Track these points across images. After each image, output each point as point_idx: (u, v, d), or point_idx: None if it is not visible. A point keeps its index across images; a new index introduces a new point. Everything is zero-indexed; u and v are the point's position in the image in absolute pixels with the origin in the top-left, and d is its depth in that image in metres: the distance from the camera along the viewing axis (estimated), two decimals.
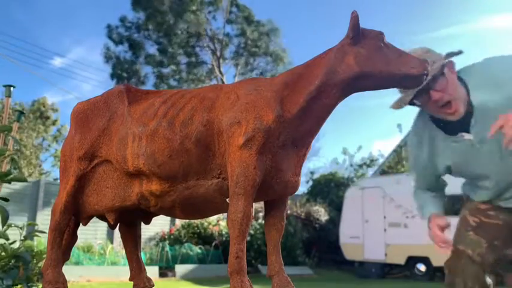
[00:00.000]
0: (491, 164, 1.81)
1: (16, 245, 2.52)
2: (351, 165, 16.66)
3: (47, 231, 1.77)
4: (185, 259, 9.68)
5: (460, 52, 1.77)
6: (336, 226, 12.32)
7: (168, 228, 11.35)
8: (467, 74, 1.80)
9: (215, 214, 1.69)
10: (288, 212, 12.40)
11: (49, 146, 21.57)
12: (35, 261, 2.92)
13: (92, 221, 1.79)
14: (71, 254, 1.91)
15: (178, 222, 11.27)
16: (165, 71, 18.59)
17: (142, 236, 1.88)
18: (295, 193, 1.65)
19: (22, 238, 2.58)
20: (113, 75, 17.89)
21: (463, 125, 1.79)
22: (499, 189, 1.85)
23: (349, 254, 11.25)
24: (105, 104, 1.75)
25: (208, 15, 18.49)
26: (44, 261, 1.75)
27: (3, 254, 2.38)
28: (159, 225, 11.17)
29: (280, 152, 1.49)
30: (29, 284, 2.37)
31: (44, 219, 8.98)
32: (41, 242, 6.54)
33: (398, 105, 1.78)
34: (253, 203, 1.46)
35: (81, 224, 1.82)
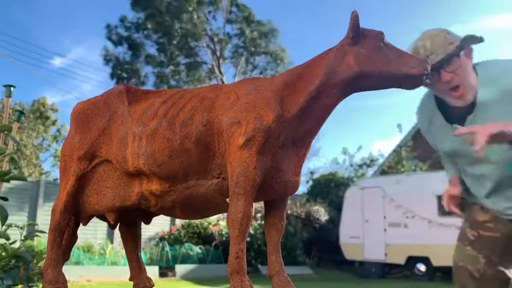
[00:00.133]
0: (482, 164, 1.82)
1: (16, 245, 2.52)
2: (351, 165, 16.65)
3: (47, 231, 1.77)
4: (185, 259, 9.68)
5: (481, 39, 1.74)
6: (336, 226, 12.32)
7: (168, 228, 11.36)
8: (480, 68, 1.78)
9: (215, 214, 1.69)
10: (288, 212, 12.40)
11: (49, 146, 21.56)
12: (35, 261, 2.92)
13: (92, 221, 1.79)
14: (71, 254, 1.91)
15: (178, 222, 11.27)
16: (165, 71, 18.59)
17: (142, 236, 1.88)
18: (295, 193, 1.65)
19: (22, 238, 2.58)
20: (112, 76, 17.88)
21: (463, 115, 1.78)
22: (493, 189, 1.85)
23: (349, 254, 11.25)
24: (105, 104, 1.75)
25: (208, 15, 18.49)
26: (44, 261, 1.75)
27: (3, 254, 2.38)
28: (159, 225, 11.17)
29: (280, 152, 1.49)
30: (29, 284, 2.37)
31: (44, 219, 8.99)
32: (41, 242, 6.54)
33: None
34: (253, 203, 1.46)
35: (81, 224, 1.82)
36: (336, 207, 13.71)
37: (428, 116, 1.95)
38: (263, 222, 2.29)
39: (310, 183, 16.09)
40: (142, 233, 1.87)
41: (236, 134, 1.45)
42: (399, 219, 10.31)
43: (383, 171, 15.55)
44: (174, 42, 17.55)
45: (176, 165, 1.53)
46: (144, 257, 8.95)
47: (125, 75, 17.73)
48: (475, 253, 1.90)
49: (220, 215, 9.95)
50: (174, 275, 9.05)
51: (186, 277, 9.05)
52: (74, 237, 1.83)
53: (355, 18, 1.46)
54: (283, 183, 1.52)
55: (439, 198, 9.78)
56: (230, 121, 1.48)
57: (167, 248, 9.60)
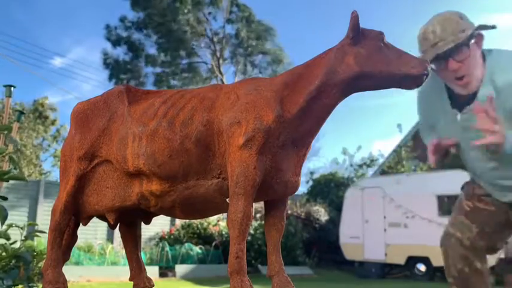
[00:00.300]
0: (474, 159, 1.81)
1: (17, 245, 2.52)
2: (351, 165, 16.65)
3: (47, 231, 1.77)
4: (185, 259, 9.68)
5: (493, 27, 1.71)
6: (336, 226, 12.32)
7: (168, 228, 11.36)
8: (491, 58, 1.75)
9: (215, 214, 1.69)
10: (288, 212, 12.41)
11: (49, 146, 21.57)
12: (35, 261, 2.92)
13: (92, 221, 1.79)
14: (71, 254, 1.91)
15: (178, 222, 11.27)
16: (165, 71, 18.58)
17: (142, 236, 1.88)
18: (295, 193, 1.65)
19: (23, 238, 2.58)
20: (111, 77, 17.85)
21: (463, 103, 1.77)
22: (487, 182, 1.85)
23: (349, 254, 11.25)
24: (105, 104, 1.75)
25: (208, 16, 18.49)
26: (44, 261, 1.75)
27: (3, 254, 2.38)
28: (159, 225, 11.17)
29: (280, 152, 1.49)
30: (29, 284, 2.37)
31: (44, 219, 8.99)
32: (41, 242, 6.54)
33: None
34: (253, 203, 1.46)
35: (81, 224, 1.82)
36: (336, 207, 13.70)
37: (435, 92, 1.90)
38: (263, 222, 2.29)
39: (310, 183, 16.09)
40: (142, 233, 1.87)
41: (236, 134, 1.45)
42: (399, 219, 10.31)
43: (383, 171, 15.55)
44: (174, 42, 17.54)
45: (176, 165, 1.53)
46: (144, 257, 8.95)
47: (123, 76, 17.70)
48: (469, 222, 1.88)
49: (220, 215, 9.95)
50: (174, 275, 9.05)
51: (186, 277, 9.05)
52: (74, 237, 1.83)
53: (355, 18, 1.46)
54: (283, 183, 1.52)
55: (439, 198, 9.80)
56: (230, 121, 1.48)
57: (167, 248, 9.60)
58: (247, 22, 18.17)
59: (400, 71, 1.44)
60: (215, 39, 18.64)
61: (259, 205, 9.97)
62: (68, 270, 2.53)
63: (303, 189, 15.99)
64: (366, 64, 1.44)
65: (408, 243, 10.09)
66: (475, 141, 1.59)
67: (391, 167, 15.26)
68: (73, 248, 1.91)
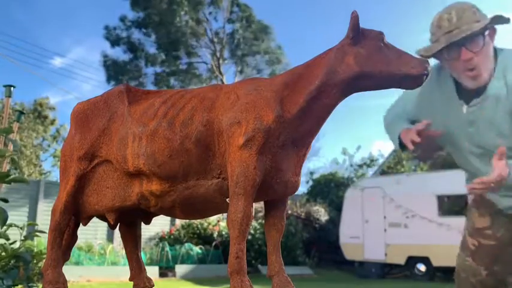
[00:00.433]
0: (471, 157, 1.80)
1: (16, 245, 2.52)
2: (351, 165, 16.66)
3: (47, 231, 1.77)
4: (185, 259, 9.68)
5: (508, 20, 1.67)
6: (336, 226, 12.32)
7: (168, 228, 11.36)
8: (502, 56, 1.73)
9: (215, 214, 1.69)
10: (288, 212, 12.41)
11: (49, 146, 21.58)
12: (35, 261, 2.92)
13: (92, 221, 1.79)
14: (71, 254, 1.91)
15: (178, 222, 11.28)
16: (165, 71, 18.58)
17: (142, 236, 1.88)
18: (295, 193, 1.65)
19: (22, 238, 2.58)
20: (109, 79, 17.83)
21: (472, 96, 1.73)
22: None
23: (349, 254, 11.25)
24: (105, 104, 1.75)
25: (209, 16, 18.49)
26: (44, 261, 1.75)
27: (3, 254, 2.38)
28: (159, 225, 11.18)
29: (280, 152, 1.49)
30: (29, 284, 2.37)
31: (44, 219, 8.99)
32: (41, 242, 6.54)
33: (427, 51, 1.71)
34: (253, 203, 1.46)
35: (81, 224, 1.82)
36: (336, 207, 13.71)
37: (437, 86, 1.86)
38: (263, 222, 2.29)
39: (310, 183, 16.11)
40: (142, 233, 1.87)
41: (236, 134, 1.45)
42: (399, 219, 10.31)
43: (383, 172, 15.56)
44: (174, 42, 17.53)
45: (176, 165, 1.53)
46: (144, 257, 8.95)
47: (121, 77, 17.67)
48: (475, 265, 1.88)
49: (220, 215, 9.95)
50: (174, 275, 9.05)
51: (186, 277, 9.06)
52: (74, 237, 1.83)
53: (355, 19, 1.46)
54: (283, 183, 1.52)
55: (439, 198, 9.80)
56: (230, 121, 1.48)
57: (167, 248, 9.60)
58: (247, 22, 18.16)
59: (400, 71, 1.44)
60: (215, 39, 18.64)
61: (259, 205, 9.97)
62: (68, 270, 2.53)
63: (303, 189, 16.02)
64: (366, 64, 1.44)
65: (408, 243, 10.10)
66: (481, 180, 1.57)
67: (391, 167, 15.28)
68: (73, 248, 1.91)
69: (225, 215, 1.66)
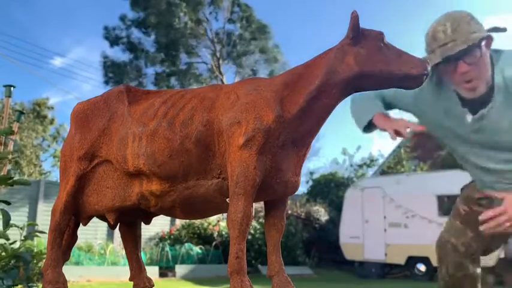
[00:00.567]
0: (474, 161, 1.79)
1: (16, 245, 2.52)
2: (351, 165, 16.65)
3: (47, 231, 1.77)
4: (185, 259, 9.68)
5: (504, 29, 1.66)
6: (336, 226, 12.32)
7: (168, 228, 11.36)
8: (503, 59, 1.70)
9: (215, 214, 1.69)
10: (288, 212, 12.41)
11: (49, 146, 21.59)
12: (35, 262, 2.92)
13: (92, 221, 1.79)
14: (71, 254, 1.91)
15: (179, 222, 11.28)
16: (165, 71, 18.58)
17: (142, 236, 1.88)
18: (295, 193, 1.65)
19: (22, 238, 2.58)
20: (107, 81, 17.82)
21: (475, 107, 1.72)
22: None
23: (349, 254, 11.25)
24: (105, 104, 1.75)
25: (209, 16, 18.48)
26: (44, 261, 1.75)
27: (3, 254, 2.38)
28: (159, 225, 11.18)
29: (280, 152, 1.49)
30: (29, 284, 2.37)
31: (44, 219, 9.00)
32: (41, 242, 6.55)
33: None
34: (253, 203, 1.46)
35: (81, 224, 1.82)
36: (336, 207, 13.71)
37: (437, 92, 1.84)
38: (263, 222, 2.30)
39: (310, 183, 16.10)
40: (142, 233, 1.87)
41: (236, 134, 1.45)
42: (399, 219, 10.31)
43: (383, 172, 15.56)
44: (174, 43, 17.53)
45: (176, 165, 1.53)
46: (144, 257, 8.95)
47: (119, 79, 17.66)
48: (463, 226, 1.86)
49: (220, 215, 9.95)
50: (174, 275, 9.05)
51: (186, 277, 9.06)
52: (74, 237, 1.83)
53: (355, 19, 1.46)
54: (283, 183, 1.52)
55: (439, 198, 9.80)
56: (230, 121, 1.48)
57: (167, 248, 9.60)
58: (247, 22, 18.16)
59: (400, 71, 1.44)
60: (215, 39, 18.63)
61: (259, 205, 9.97)
62: (68, 270, 2.53)
63: (303, 189, 16.02)
64: (365, 64, 1.44)
65: (408, 243, 10.10)
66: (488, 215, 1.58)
67: (391, 167, 15.28)
68: (73, 248, 1.91)
69: (225, 215, 1.66)
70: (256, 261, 10.25)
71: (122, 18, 18.20)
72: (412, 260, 10.12)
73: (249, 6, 18.24)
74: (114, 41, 18.05)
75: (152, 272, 8.16)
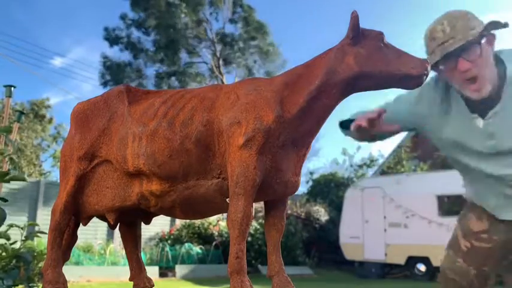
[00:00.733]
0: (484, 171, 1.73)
1: (17, 245, 2.52)
2: (351, 165, 16.65)
3: (47, 231, 1.77)
4: (185, 259, 9.68)
5: (506, 24, 1.59)
6: (336, 226, 12.32)
7: (168, 228, 11.36)
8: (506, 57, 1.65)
9: (215, 214, 1.69)
10: (288, 212, 12.41)
11: (48, 146, 21.60)
12: (35, 262, 2.93)
13: (92, 221, 1.79)
14: (71, 254, 1.91)
15: (179, 222, 11.28)
16: (165, 70, 18.58)
17: (142, 236, 1.88)
18: (295, 193, 1.65)
19: (23, 238, 2.58)
20: (106, 83, 17.81)
21: (484, 108, 1.66)
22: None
23: (349, 254, 11.25)
24: (105, 104, 1.75)
25: (210, 16, 18.48)
26: (44, 261, 1.75)
27: (4, 254, 2.39)
28: (159, 225, 11.18)
29: (280, 152, 1.49)
30: (29, 284, 2.38)
31: (44, 219, 8.99)
32: (41, 242, 6.54)
33: None
34: (253, 203, 1.46)
35: (81, 224, 1.82)
36: (336, 207, 13.71)
37: (439, 97, 1.79)
38: (263, 222, 2.30)
39: (310, 183, 16.10)
40: (142, 233, 1.87)
41: (236, 134, 1.45)
42: (399, 219, 10.32)
43: (383, 172, 15.56)
44: (174, 43, 17.52)
45: (176, 165, 1.53)
46: (144, 257, 8.95)
47: (117, 79, 17.66)
48: (466, 266, 1.84)
49: (220, 215, 9.96)
50: (174, 275, 9.05)
51: (186, 277, 9.06)
52: (74, 237, 1.83)
53: (355, 19, 1.46)
54: (283, 183, 1.52)
55: (439, 198, 9.80)
56: (230, 121, 1.48)
57: (167, 248, 9.60)
58: (247, 22, 18.16)
59: (400, 71, 1.44)
60: (215, 39, 18.63)
61: (259, 205, 9.97)
62: (68, 270, 2.53)
63: (303, 189, 16.02)
64: (365, 64, 1.44)
65: (408, 243, 10.10)
66: None
67: (391, 167, 15.28)
68: (73, 248, 1.91)
69: (225, 215, 1.66)
70: (256, 261, 10.25)
71: (123, 17, 18.20)
72: (412, 260, 10.12)
73: (251, 7, 18.24)
74: (114, 41, 18.05)
75: (152, 272, 8.16)
